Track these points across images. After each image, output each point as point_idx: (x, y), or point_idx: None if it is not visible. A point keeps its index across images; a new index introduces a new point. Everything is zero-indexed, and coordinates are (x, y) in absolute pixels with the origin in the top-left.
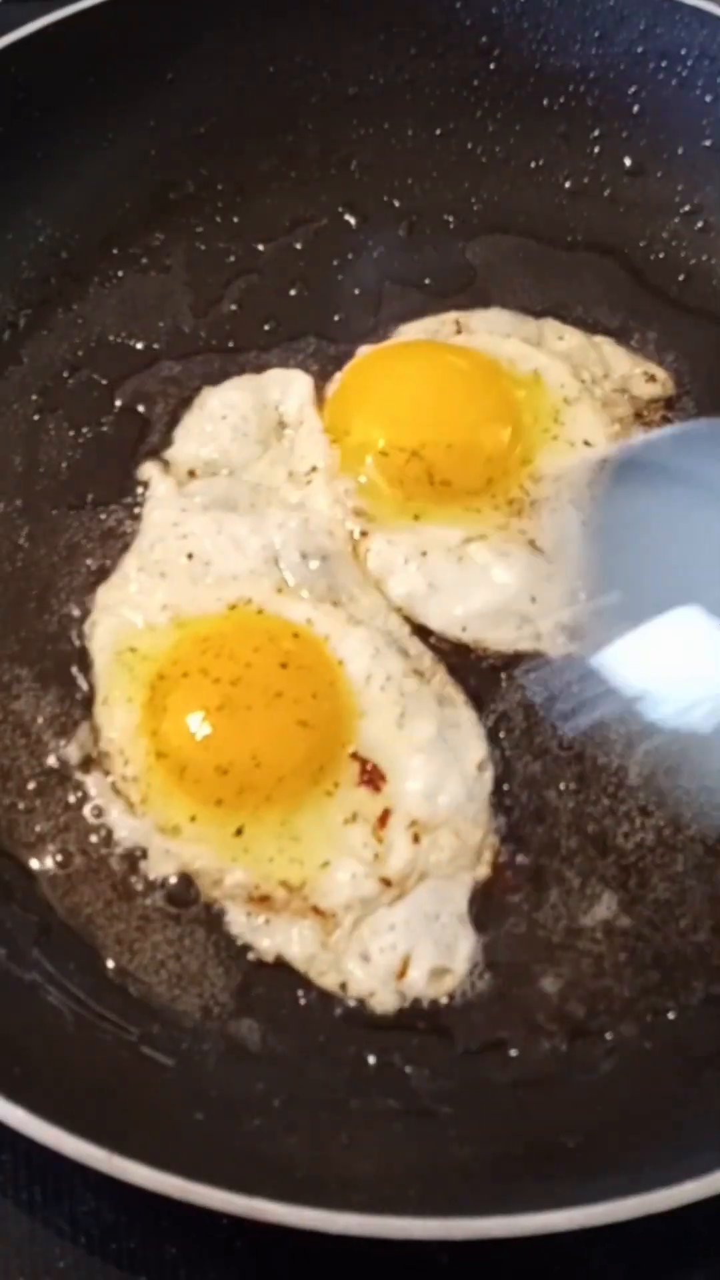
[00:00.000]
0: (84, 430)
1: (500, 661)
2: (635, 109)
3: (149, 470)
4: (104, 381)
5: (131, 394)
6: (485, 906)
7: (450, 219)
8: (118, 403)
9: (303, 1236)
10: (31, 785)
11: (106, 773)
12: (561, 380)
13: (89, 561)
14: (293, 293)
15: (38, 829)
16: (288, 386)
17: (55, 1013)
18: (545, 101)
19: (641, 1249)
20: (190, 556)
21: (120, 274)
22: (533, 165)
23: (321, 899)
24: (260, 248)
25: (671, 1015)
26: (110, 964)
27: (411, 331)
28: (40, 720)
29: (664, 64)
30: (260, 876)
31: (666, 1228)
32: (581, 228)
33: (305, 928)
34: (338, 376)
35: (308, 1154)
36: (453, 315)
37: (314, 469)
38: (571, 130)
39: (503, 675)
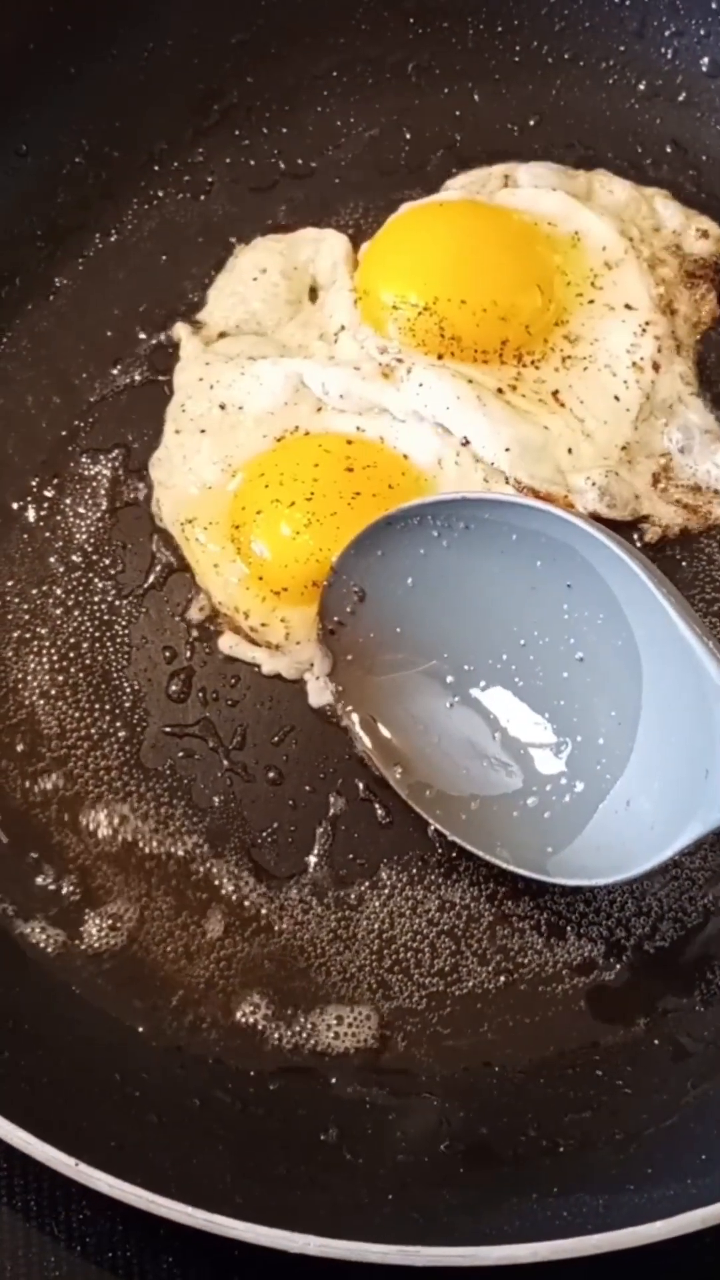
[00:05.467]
0: (115, 369)
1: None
2: (714, 4)
3: (180, 330)
4: (140, 312)
5: (163, 325)
6: None
7: (513, 127)
8: (147, 338)
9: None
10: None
11: (236, 630)
12: (604, 242)
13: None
14: (342, 209)
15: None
16: (320, 245)
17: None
18: None
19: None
20: (222, 407)
21: (160, 195)
22: (602, 66)
23: None
24: (309, 162)
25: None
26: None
27: (459, 183)
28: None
29: None
30: None
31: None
32: (654, 134)
33: None
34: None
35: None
36: (501, 168)
37: (342, 328)
38: (645, 28)
39: None
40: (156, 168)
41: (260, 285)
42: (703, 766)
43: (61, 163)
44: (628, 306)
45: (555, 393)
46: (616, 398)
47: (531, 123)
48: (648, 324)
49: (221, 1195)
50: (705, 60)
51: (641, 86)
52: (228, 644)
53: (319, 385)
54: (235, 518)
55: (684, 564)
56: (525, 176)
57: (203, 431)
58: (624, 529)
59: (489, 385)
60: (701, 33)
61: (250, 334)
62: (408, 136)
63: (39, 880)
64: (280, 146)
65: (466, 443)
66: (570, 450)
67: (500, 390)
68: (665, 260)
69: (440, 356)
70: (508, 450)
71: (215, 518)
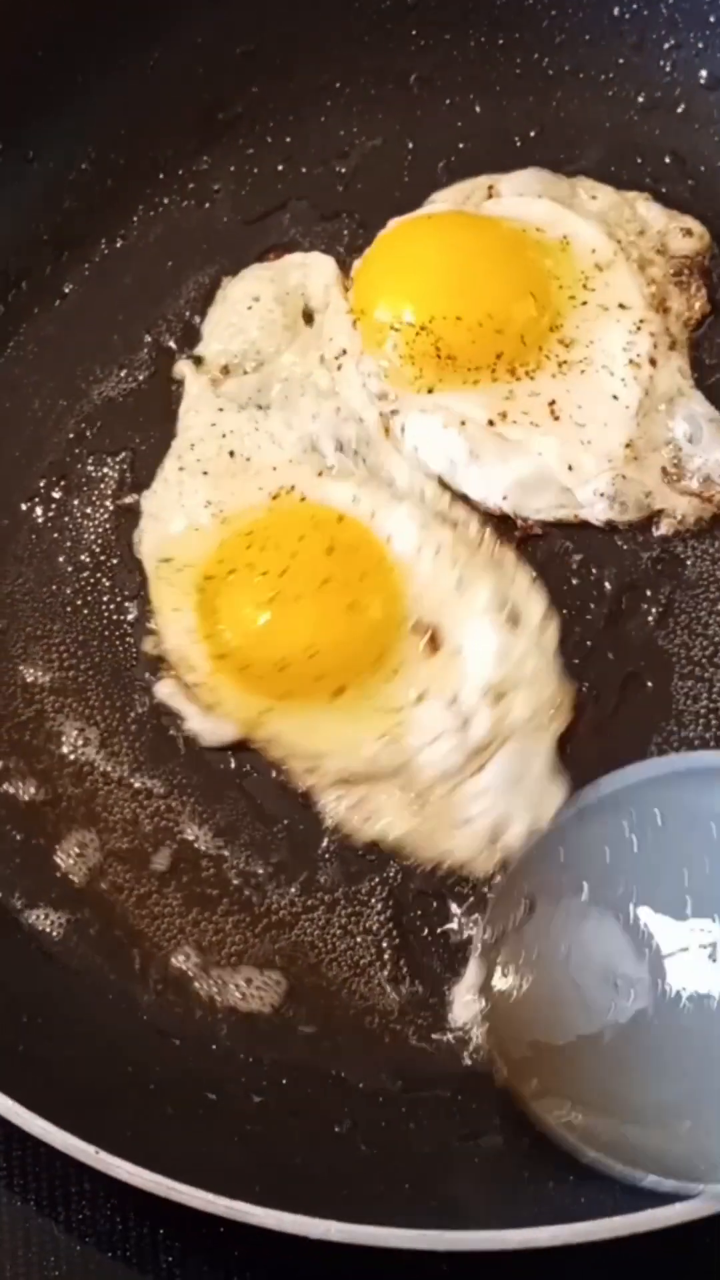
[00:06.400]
0: (121, 373)
1: (542, 531)
2: (712, 18)
3: (182, 369)
4: (146, 317)
5: (167, 330)
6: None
7: (515, 138)
8: (152, 342)
9: (299, 1243)
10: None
11: (177, 678)
12: (593, 244)
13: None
14: (344, 218)
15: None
16: (308, 270)
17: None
18: (616, 10)
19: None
20: (232, 454)
21: (165, 202)
22: (602, 78)
23: (412, 776)
24: (313, 170)
25: None
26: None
27: (444, 197)
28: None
29: None
30: (346, 759)
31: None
32: (653, 146)
33: (398, 804)
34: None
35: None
36: (485, 180)
37: (343, 351)
38: (644, 41)
39: (542, 545)
40: (162, 175)
41: (255, 313)
42: None
43: (69, 169)
44: (621, 306)
45: (551, 403)
46: (615, 396)
47: (532, 133)
48: (642, 322)
49: (239, 1184)
50: (703, 73)
51: (640, 98)
52: (164, 691)
53: (331, 448)
54: (209, 568)
55: (690, 562)
56: (509, 187)
57: (205, 473)
58: (638, 527)
59: (480, 419)
60: (700, 46)
61: (253, 370)
62: (410, 146)
63: (47, 873)
64: (285, 155)
65: (466, 499)
66: (570, 467)
67: (491, 422)
68: (654, 260)
69: (431, 390)
70: (505, 499)
71: (191, 562)
